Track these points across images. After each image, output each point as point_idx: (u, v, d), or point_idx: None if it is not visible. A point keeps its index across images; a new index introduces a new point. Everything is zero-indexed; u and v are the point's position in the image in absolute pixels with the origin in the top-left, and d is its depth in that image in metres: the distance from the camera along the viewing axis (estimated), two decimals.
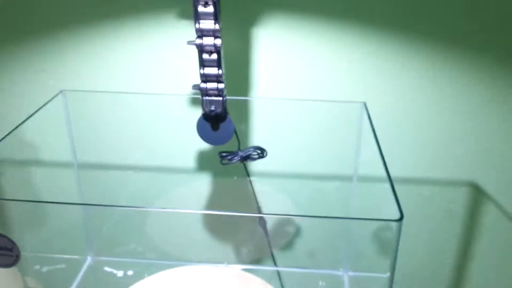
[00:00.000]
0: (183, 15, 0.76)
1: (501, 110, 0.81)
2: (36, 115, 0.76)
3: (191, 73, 0.80)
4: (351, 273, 0.83)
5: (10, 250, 0.48)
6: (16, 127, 0.67)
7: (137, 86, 0.81)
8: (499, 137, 0.84)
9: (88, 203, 0.86)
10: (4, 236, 0.47)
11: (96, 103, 0.80)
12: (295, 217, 0.83)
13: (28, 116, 0.79)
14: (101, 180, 0.87)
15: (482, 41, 0.76)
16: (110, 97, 0.79)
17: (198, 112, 0.75)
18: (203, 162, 0.87)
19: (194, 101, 0.82)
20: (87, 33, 0.79)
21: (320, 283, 0.83)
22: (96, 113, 0.81)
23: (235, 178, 0.89)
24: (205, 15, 0.61)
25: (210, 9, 0.61)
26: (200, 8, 0.61)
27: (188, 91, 0.82)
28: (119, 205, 0.85)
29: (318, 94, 0.80)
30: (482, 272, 0.98)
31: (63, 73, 0.82)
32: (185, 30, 0.76)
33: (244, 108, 0.81)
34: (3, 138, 0.63)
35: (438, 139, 0.84)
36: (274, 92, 0.80)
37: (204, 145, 0.84)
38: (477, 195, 0.90)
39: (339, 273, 0.84)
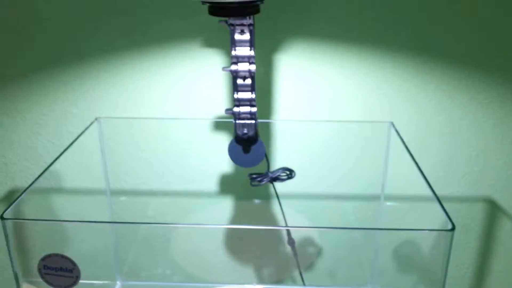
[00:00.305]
0: (207, 43, 0.79)
1: None
2: (68, 141, 0.77)
3: (216, 98, 0.82)
4: None
5: (71, 271, 0.49)
6: (59, 156, 0.68)
7: (162, 112, 0.84)
8: None
9: (117, 223, 0.87)
10: (66, 257, 0.48)
11: (127, 129, 0.82)
12: (323, 230, 0.85)
13: (52, 142, 0.80)
14: (133, 205, 0.88)
15: (495, 61, 0.80)
16: (140, 123, 0.81)
17: (222, 136, 0.78)
18: (230, 185, 0.88)
19: (218, 125, 0.85)
20: (113, 62, 0.82)
21: None
22: (128, 139, 0.83)
23: (255, 201, 0.91)
24: (241, 42, 0.64)
25: (246, 36, 0.64)
26: (237, 36, 0.64)
27: (212, 115, 0.84)
28: (145, 222, 0.87)
29: (341, 115, 0.82)
30: (496, 283, 1.00)
31: (87, 102, 0.84)
32: (209, 58, 0.79)
33: (271, 130, 0.84)
34: (46, 169, 0.64)
35: (456, 156, 0.87)
36: (299, 114, 0.83)
37: (229, 168, 0.86)
38: (493, 210, 0.92)
39: None
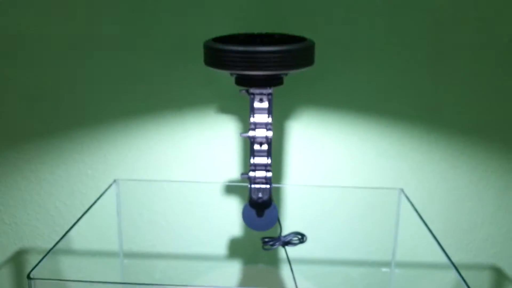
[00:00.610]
0: (222, 110, 0.82)
1: None
2: (88, 203, 0.79)
3: (229, 163, 0.85)
4: None
5: None
6: (81, 217, 0.70)
7: (178, 175, 0.86)
8: None
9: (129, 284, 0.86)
10: None
11: (142, 192, 0.84)
12: None
13: (64, 203, 0.82)
14: (144, 267, 0.88)
15: (497, 133, 0.84)
16: (155, 186, 0.83)
17: (233, 199, 0.80)
18: (240, 249, 0.89)
19: (230, 189, 0.87)
20: (131, 126, 0.85)
21: None
22: (142, 201, 0.85)
23: (264, 265, 0.92)
24: (260, 110, 0.67)
25: (265, 104, 0.67)
26: (256, 104, 0.67)
27: (224, 179, 0.87)
28: (155, 284, 0.86)
29: (349, 181, 0.85)
30: None
31: (102, 164, 0.86)
32: (224, 124, 0.82)
33: (282, 195, 0.86)
34: (69, 230, 0.65)
35: (460, 224, 0.89)
36: (310, 179, 0.85)
37: (239, 232, 0.88)
38: (499, 278, 0.93)
39: None
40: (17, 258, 0.95)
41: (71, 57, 0.81)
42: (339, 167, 0.85)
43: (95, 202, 0.73)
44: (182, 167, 0.85)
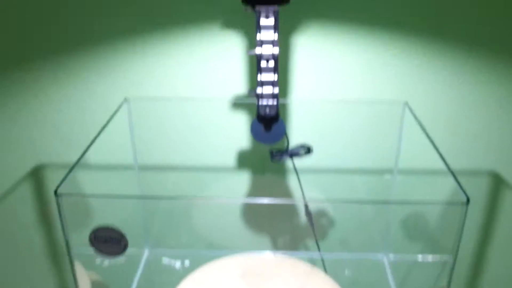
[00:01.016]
0: (227, 26, 0.82)
1: None
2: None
3: (235, 79, 0.86)
4: (391, 255, 0.91)
5: (119, 241, 0.54)
6: (99, 134, 0.72)
7: (186, 92, 0.88)
8: None
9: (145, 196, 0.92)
10: (115, 229, 0.53)
11: (152, 108, 0.86)
12: (337, 204, 0.91)
13: (75, 120, 0.85)
14: (159, 179, 0.93)
15: (500, 42, 0.84)
16: (164, 103, 0.85)
17: (241, 115, 0.82)
18: (248, 161, 0.93)
19: (237, 105, 0.89)
20: (139, 44, 0.85)
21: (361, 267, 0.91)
22: (153, 117, 0.87)
23: (272, 175, 0.96)
24: (266, 27, 0.68)
25: (271, 21, 0.67)
26: (262, 21, 0.67)
27: (231, 95, 0.88)
28: (170, 196, 0.92)
29: (354, 93, 0.87)
30: (499, 254, 1.07)
31: (111, 81, 0.88)
32: (229, 40, 0.82)
33: (289, 109, 0.88)
34: (89, 145, 0.68)
35: (462, 132, 0.92)
36: (316, 93, 0.87)
37: (248, 145, 0.91)
38: (497, 183, 0.98)
39: (380, 256, 0.92)
40: (35, 174, 1.00)
41: None
42: (345, 81, 0.86)
43: (109, 120, 0.75)
44: (190, 84, 0.86)
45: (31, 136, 0.96)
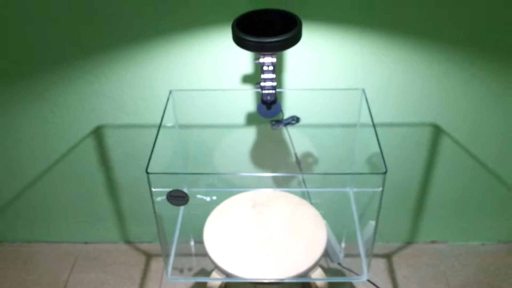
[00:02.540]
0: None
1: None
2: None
3: (247, 74, 1.19)
4: (355, 189, 1.29)
5: (183, 197, 0.90)
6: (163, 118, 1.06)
7: (208, 85, 1.21)
8: (461, 91, 1.25)
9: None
10: (181, 191, 0.89)
11: (191, 97, 1.20)
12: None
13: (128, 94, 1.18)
14: (191, 135, 1.29)
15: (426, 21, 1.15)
16: (200, 93, 1.20)
17: (249, 99, 1.16)
18: (257, 129, 1.28)
19: (246, 93, 1.22)
20: (171, 43, 1.16)
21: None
22: (192, 105, 1.21)
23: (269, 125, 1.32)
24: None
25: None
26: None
27: (243, 87, 1.21)
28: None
29: (328, 83, 1.20)
30: (440, 181, 1.44)
31: (155, 72, 1.20)
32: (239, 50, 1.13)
33: (284, 95, 1.22)
34: (160, 127, 1.03)
35: (411, 97, 1.25)
36: (301, 85, 1.20)
37: (257, 119, 1.25)
38: (438, 132, 1.33)
39: (346, 190, 1.31)
40: (96, 132, 1.34)
41: None
42: (320, 75, 1.18)
43: (163, 116, 1.08)
44: (213, 79, 1.20)
45: (92, 104, 1.29)
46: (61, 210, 1.54)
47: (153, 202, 0.94)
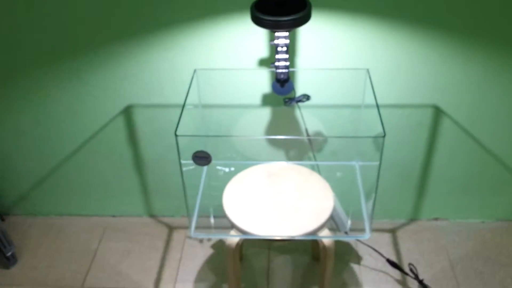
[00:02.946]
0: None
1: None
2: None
3: (264, 55, 1.32)
4: (360, 163, 1.41)
5: (207, 158, 1.04)
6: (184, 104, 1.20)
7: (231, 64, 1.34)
8: (460, 74, 1.37)
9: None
10: (205, 152, 1.03)
11: (212, 75, 1.34)
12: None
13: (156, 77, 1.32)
14: (214, 115, 1.42)
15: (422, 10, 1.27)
16: (223, 72, 1.33)
17: (265, 78, 1.29)
18: (273, 105, 1.42)
19: (263, 72, 1.35)
20: (194, 29, 1.30)
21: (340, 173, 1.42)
22: (213, 80, 1.35)
23: (283, 107, 1.44)
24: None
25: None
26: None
27: (259, 67, 1.34)
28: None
29: (337, 63, 1.33)
30: (441, 160, 1.56)
31: (180, 54, 1.34)
32: (256, 30, 1.27)
33: (296, 74, 1.35)
34: (186, 97, 1.16)
35: (415, 82, 1.37)
36: (315, 64, 1.33)
37: (272, 97, 1.38)
38: (439, 113, 1.44)
39: (353, 163, 1.43)
40: (126, 112, 1.49)
41: None
42: (330, 55, 1.31)
43: (188, 92, 1.22)
44: (234, 59, 1.33)
45: (122, 86, 1.43)
46: (93, 185, 1.69)
47: (180, 164, 1.08)
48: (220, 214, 1.24)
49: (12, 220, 1.78)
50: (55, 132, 1.55)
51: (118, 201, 1.73)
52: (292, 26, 1.04)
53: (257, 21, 1.06)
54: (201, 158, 1.04)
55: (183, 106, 1.15)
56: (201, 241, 1.65)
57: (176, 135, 1.03)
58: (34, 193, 1.72)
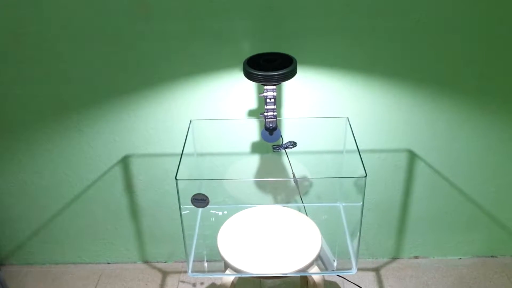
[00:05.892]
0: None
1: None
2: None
3: (253, 106, 1.45)
4: (344, 204, 1.52)
5: (205, 200, 1.14)
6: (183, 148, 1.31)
7: (221, 116, 1.46)
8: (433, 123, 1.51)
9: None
10: (203, 194, 1.13)
11: (206, 127, 1.46)
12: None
13: (154, 129, 1.43)
14: (205, 163, 1.53)
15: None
16: (215, 123, 1.45)
17: (254, 126, 1.41)
18: (261, 152, 1.53)
19: (252, 122, 1.47)
20: (185, 84, 1.43)
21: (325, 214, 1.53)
22: (204, 129, 1.47)
23: (270, 155, 1.56)
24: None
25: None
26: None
27: (248, 116, 1.47)
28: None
29: (316, 113, 1.46)
30: (418, 200, 1.67)
31: (174, 107, 1.45)
32: (248, 85, 1.40)
33: (282, 123, 1.47)
34: (184, 146, 1.27)
35: (388, 129, 1.51)
36: (298, 114, 1.46)
37: (260, 144, 1.50)
38: (413, 156, 1.58)
39: (337, 204, 1.54)
40: (124, 161, 1.58)
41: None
42: (313, 107, 1.45)
43: (185, 141, 1.33)
44: (223, 111, 1.45)
45: (121, 137, 1.54)
46: (89, 233, 1.76)
47: (180, 208, 1.17)
48: (213, 258, 1.33)
49: (9, 269, 1.82)
50: (55, 182, 1.63)
51: (114, 248, 1.80)
52: (280, 80, 1.18)
53: (249, 76, 1.19)
54: (200, 200, 1.14)
55: (182, 153, 1.26)
56: (194, 285, 1.72)
57: (176, 179, 1.13)
58: (31, 242, 1.78)
